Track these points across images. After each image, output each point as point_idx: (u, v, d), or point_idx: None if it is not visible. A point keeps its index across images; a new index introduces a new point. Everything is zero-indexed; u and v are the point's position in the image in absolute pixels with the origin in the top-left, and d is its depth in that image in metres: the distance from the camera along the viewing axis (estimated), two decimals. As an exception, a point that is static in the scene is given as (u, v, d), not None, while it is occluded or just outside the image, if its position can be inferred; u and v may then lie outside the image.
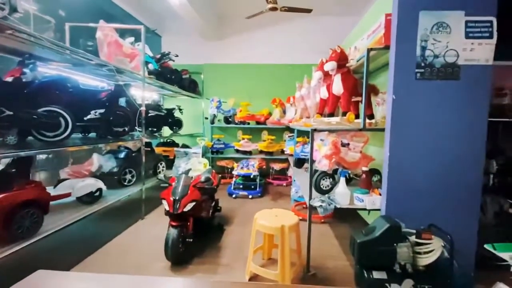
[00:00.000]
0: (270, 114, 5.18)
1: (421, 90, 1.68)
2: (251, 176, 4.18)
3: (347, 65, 2.06)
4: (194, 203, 2.19)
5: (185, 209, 2.14)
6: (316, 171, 2.14)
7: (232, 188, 4.20)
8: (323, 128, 2.03)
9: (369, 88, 2.15)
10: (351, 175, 2.31)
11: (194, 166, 3.54)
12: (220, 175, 2.95)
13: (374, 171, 2.32)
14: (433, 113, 1.67)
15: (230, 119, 5.27)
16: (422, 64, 1.68)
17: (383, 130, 1.81)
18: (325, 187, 2.15)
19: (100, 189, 2.65)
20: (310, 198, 1.99)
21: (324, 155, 2.07)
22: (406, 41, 1.67)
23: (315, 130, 1.94)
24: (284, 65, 5.46)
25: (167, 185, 2.33)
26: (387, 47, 1.79)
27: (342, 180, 2.00)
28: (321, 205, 1.88)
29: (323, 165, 2.08)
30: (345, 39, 4.07)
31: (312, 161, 1.97)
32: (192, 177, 2.51)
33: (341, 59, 2.02)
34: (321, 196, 2.01)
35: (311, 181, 2.05)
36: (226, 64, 5.53)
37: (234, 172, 4.22)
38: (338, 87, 2.05)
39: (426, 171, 1.69)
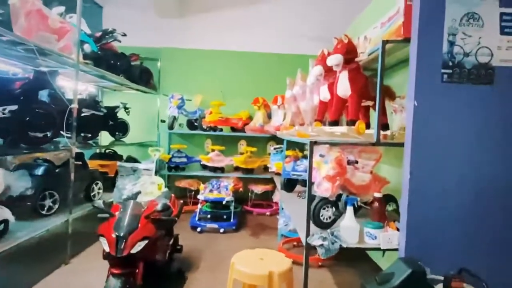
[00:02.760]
0: (250, 118, 5.26)
1: (449, 96, 1.79)
2: (224, 202, 4.17)
3: (356, 59, 2.16)
4: (146, 242, 2.13)
5: (133, 251, 2.07)
6: (314, 197, 2.17)
7: (196, 218, 4.18)
8: (325, 140, 2.09)
9: (383, 91, 2.25)
10: (359, 203, 2.38)
11: (145, 188, 3.46)
12: (182, 201, 2.92)
13: (389, 198, 2.41)
14: (465, 124, 1.78)
15: (196, 124, 5.29)
16: (450, 64, 1.81)
17: (402, 145, 1.90)
18: (326, 219, 2.19)
19: (5, 221, 2.54)
20: (308, 234, 2.01)
21: (326, 177, 2.11)
22: (430, 33, 1.78)
23: (315, 143, 1.99)
24: (271, 54, 5.59)
25: (107, 215, 2.25)
26: (407, 40, 1.90)
27: (350, 210, 2.05)
28: (322, 244, 1.91)
29: (324, 189, 2.11)
30: (352, 24, 4.26)
31: (310, 184, 2.01)
32: (143, 204, 2.45)
33: (349, 51, 2.09)
34: (321, 232, 2.04)
35: (310, 211, 2.08)
36: (192, 49, 5.56)
37: (200, 197, 4.19)
38: (344, 87, 2.13)
39: (457, 198, 1.78)
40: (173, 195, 3.05)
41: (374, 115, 2.50)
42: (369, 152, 2.42)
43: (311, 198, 2.11)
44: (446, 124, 1.79)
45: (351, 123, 2.10)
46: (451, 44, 1.82)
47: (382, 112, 2.20)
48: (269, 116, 4.92)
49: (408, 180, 1.81)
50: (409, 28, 1.88)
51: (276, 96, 4.21)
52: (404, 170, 1.86)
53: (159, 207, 2.28)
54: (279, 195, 4.38)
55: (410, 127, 1.82)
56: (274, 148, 4.54)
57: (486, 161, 1.79)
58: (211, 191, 4.28)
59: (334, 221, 2.21)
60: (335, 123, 2.21)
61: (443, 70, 1.81)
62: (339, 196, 2.36)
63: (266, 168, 5.18)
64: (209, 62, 5.57)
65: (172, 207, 2.71)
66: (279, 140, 4.86)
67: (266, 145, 5.49)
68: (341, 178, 2.13)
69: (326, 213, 2.18)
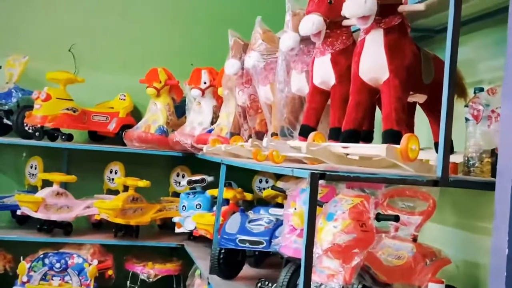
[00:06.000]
0: (137, 114, 5.39)
1: None
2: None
3: (400, 9, 2.19)
4: None
5: None
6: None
7: None
8: (342, 171, 2.02)
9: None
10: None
11: None
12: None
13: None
14: None
15: (8, 121, 5.20)
16: None
17: (489, 186, 1.90)
18: None
19: None
20: None
21: (333, 248, 2.09)
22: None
23: (322, 176, 1.96)
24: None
25: None
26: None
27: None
28: None
29: (327, 275, 2.10)
30: None
31: (310, 265, 1.96)
32: None
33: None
34: None
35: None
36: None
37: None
38: (376, 63, 2.11)
39: None
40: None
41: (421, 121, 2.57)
42: (408, 196, 2.44)
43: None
44: None
45: (389, 136, 2.08)
46: None
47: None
48: (180, 112, 4.92)
49: (505, 256, 1.82)
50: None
51: (197, 70, 4.22)
52: (494, 238, 1.85)
53: None
54: (202, 285, 4.29)
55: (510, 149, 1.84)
56: (190, 182, 4.47)
57: None
58: (44, 277, 4.29)
59: None
60: (353, 134, 2.20)
61: None
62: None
63: (167, 226, 5.23)
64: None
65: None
66: (199, 165, 4.90)
67: (170, 175, 5.50)
68: (362, 251, 2.11)
69: (330, 328, 2.07)
